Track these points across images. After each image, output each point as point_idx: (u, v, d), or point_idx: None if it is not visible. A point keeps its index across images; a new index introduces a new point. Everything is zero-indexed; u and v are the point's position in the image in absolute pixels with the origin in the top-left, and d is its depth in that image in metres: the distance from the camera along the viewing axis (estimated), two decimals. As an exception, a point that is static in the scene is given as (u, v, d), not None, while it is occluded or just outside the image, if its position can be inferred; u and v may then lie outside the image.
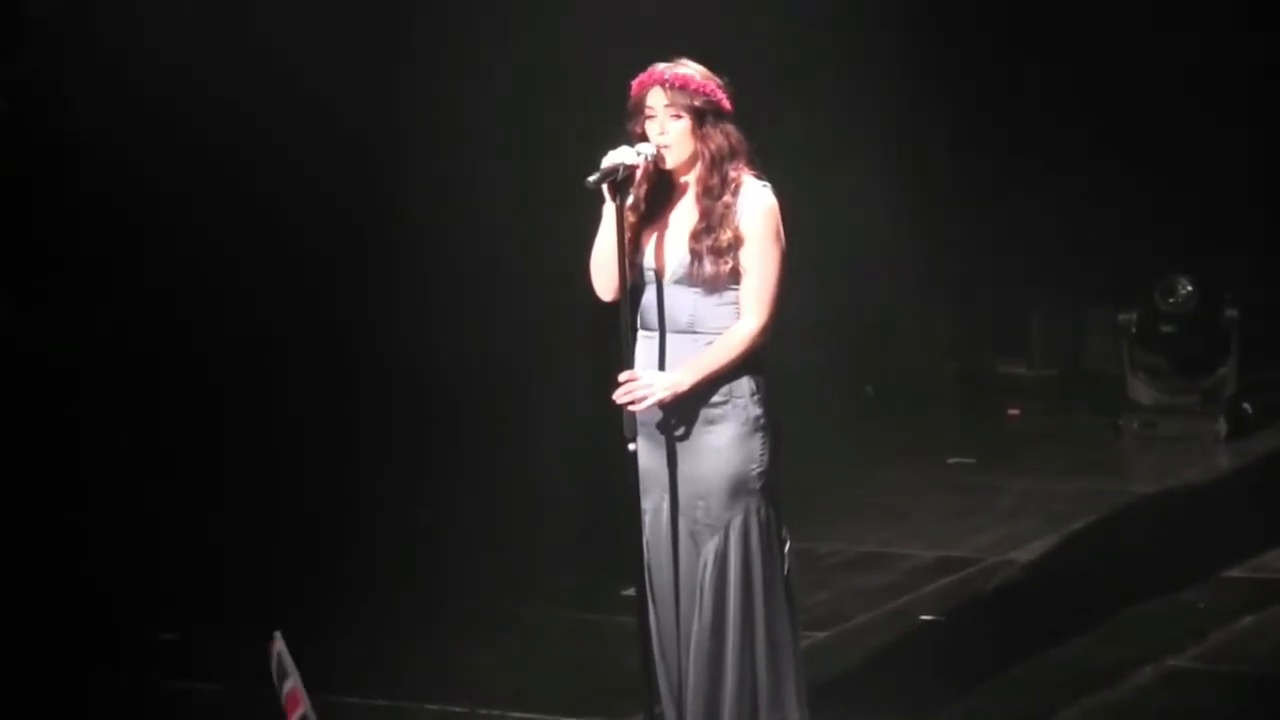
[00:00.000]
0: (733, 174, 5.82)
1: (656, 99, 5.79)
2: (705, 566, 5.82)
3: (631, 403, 5.77)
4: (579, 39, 9.67)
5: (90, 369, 8.77)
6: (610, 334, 5.88)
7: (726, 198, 5.82)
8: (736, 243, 5.79)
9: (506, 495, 9.31)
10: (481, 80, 9.82)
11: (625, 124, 5.87)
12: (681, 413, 5.81)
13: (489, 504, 9.22)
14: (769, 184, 5.87)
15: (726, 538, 5.82)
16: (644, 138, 5.82)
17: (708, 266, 5.80)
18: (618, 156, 5.76)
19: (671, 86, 5.78)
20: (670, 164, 5.83)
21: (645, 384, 5.78)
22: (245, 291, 9.22)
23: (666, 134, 5.80)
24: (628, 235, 5.84)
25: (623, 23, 9.41)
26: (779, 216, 5.85)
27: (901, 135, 11.79)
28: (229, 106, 8.99)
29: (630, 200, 5.84)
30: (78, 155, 8.80)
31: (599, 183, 5.74)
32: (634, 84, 5.85)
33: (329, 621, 7.77)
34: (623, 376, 5.79)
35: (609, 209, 5.82)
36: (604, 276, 5.92)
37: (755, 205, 5.81)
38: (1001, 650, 7.50)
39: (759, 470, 5.83)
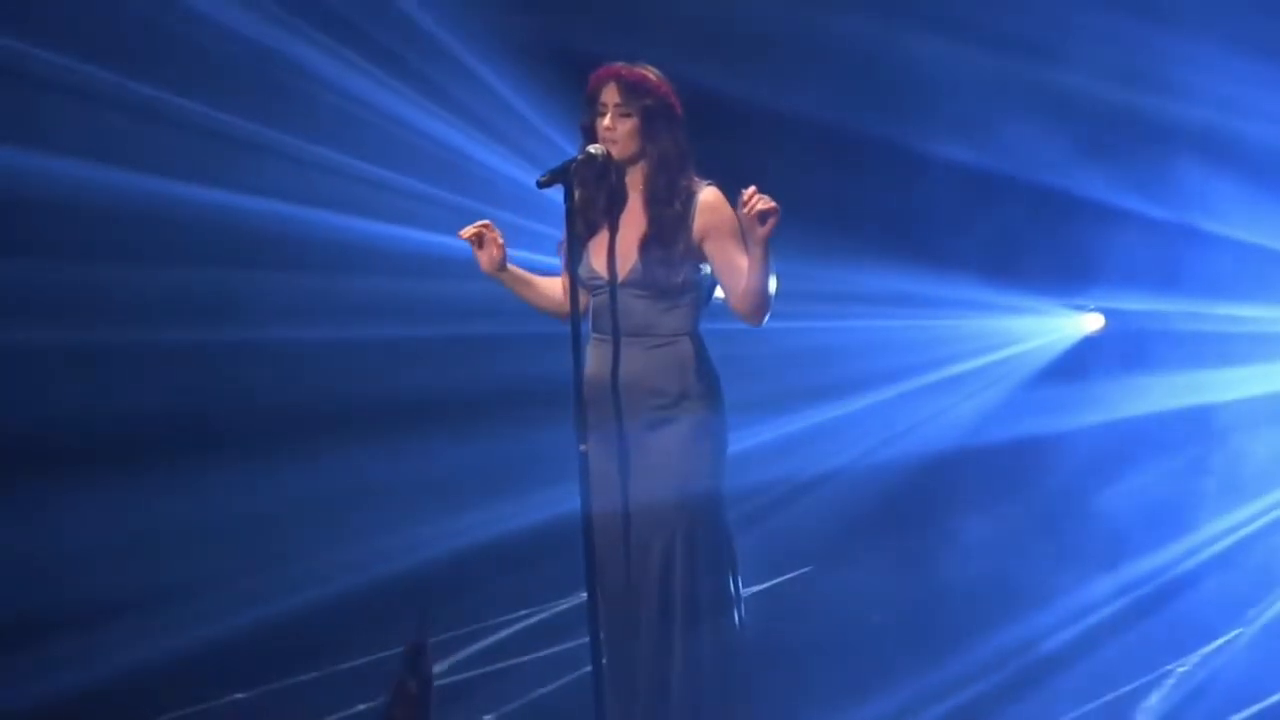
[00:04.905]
0: (684, 182, 5.85)
1: (609, 95, 5.86)
2: (653, 567, 5.78)
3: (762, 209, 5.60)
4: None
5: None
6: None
7: (677, 206, 5.83)
8: (689, 254, 5.80)
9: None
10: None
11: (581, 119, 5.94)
12: (631, 414, 5.82)
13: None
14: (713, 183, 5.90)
15: (674, 538, 5.77)
16: (594, 132, 5.87)
17: (660, 275, 5.83)
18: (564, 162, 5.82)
19: (626, 83, 5.84)
20: (616, 159, 5.85)
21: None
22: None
23: (614, 130, 5.84)
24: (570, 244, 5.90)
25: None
26: (726, 202, 5.85)
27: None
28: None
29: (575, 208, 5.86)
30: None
31: (550, 183, 5.78)
32: (591, 77, 5.92)
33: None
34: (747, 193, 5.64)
35: (511, 279, 6.00)
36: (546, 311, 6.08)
37: (709, 206, 5.83)
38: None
39: (708, 470, 5.82)
